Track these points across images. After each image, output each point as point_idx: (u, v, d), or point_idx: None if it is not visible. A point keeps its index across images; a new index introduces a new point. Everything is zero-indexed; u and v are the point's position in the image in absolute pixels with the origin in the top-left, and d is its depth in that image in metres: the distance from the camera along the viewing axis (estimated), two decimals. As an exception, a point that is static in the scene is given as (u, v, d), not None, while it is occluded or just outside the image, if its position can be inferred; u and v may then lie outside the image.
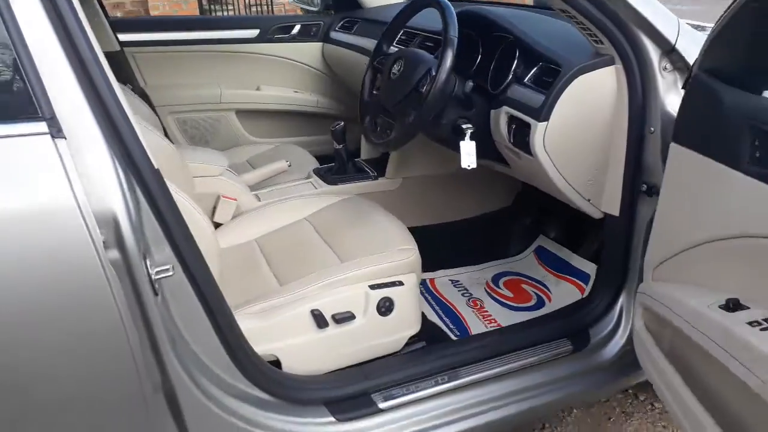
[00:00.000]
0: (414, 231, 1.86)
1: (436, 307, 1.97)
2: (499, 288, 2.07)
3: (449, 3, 1.53)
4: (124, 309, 0.97)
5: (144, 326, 1.05)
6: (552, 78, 1.47)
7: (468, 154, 1.60)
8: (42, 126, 0.89)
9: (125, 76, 2.52)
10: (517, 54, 1.61)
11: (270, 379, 1.32)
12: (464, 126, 1.60)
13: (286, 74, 2.86)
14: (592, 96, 1.44)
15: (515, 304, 1.98)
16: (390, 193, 2.13)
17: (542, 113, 1.43)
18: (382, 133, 1.75)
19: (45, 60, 0.91)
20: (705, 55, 1.15)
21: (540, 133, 1.44)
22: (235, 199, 1.89)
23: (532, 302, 1.99)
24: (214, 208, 1.89)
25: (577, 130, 1.46)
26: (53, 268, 0.92)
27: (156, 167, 1.06)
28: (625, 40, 1.37)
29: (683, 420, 1.19)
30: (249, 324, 1.40)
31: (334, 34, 2.80)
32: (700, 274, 1.16)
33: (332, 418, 1.37)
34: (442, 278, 2.14)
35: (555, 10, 1.45)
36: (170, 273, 1.06)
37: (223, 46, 2.75)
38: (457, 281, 2.13)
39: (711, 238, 1.11)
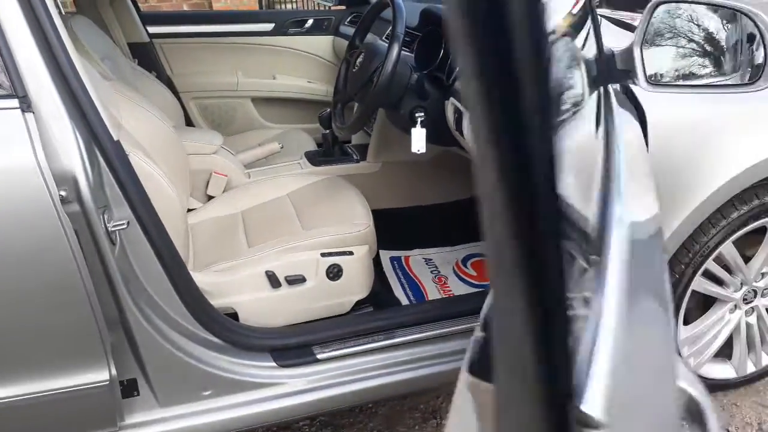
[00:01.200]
0: (393, 212, 2.03)
1: (404, 281, 2.15)
2: (466, 267, 2.22)
3: (401, 2, 1.70)
4: (78, 253, 1.20)
5: (102, 269, 1.29)
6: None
7: (418, 139, 1.78)
8: (15, 102, 1.14)
9: (152, 64, 2.81)
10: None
11: (221, 326, 1.54)
12: (417, 114, 1.77)
13: (300, 65, 3.09)
14: None
15: (476, 282, 2.13)
16: (370, 175, 2.32)
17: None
18: (346, 120, 1.94)
19: (20, 50, 1.16)
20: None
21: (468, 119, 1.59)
22: (226, 175, 2.13)
23: (493, 281, 2.13)
24: (208, 182, 2.14)
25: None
26: (19, 218, 1.15)
27: (116, 139, 1.30)
28: None
29: None
30: (211, 279, 1.64)
31: (343, 29, 3.01)
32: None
33: (274, 363, 1.58)
34: (416, 256, 2.31)
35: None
36: (124, 226, 1.30)
37: (241, 39, 3.01)
38: (430, 260, 2.30)
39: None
